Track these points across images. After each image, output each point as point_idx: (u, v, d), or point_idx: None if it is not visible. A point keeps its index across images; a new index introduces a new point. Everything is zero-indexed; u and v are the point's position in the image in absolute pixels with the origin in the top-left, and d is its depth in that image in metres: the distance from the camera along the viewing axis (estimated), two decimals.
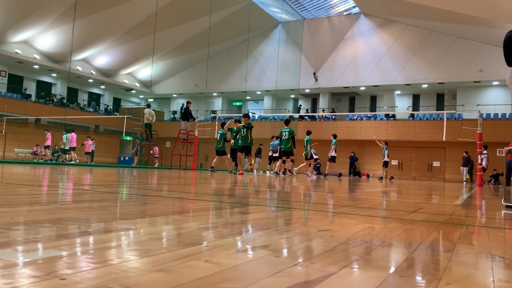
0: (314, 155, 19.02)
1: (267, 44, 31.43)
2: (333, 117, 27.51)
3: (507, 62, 3.25)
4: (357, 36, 28.39)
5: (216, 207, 2.44)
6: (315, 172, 17.68)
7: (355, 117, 26.65)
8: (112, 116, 30.32)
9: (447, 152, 23.76)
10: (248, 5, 27.27)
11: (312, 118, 28.44)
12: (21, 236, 1.17)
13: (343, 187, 6.64)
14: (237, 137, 12.34)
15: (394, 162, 24.33)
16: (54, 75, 30.23)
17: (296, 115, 26.92)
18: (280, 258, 1.06)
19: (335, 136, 16.55)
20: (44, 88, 30.14)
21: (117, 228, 1.43)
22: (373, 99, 30.81)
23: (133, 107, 34.48)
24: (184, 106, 17.14)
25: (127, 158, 30.14)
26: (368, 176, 25.30)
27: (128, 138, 29.69)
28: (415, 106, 29.26)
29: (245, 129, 11.62)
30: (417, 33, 26.26)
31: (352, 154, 24.89)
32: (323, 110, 29.42)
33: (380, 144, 18.26)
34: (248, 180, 7.56)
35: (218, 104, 34.80)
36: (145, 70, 33.17)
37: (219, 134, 14.47)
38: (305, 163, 15.97)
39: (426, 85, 27.08)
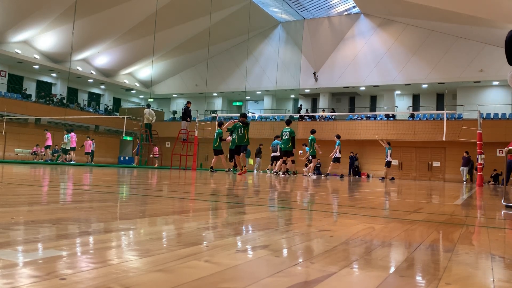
0: (310, 157, 19.00)
1: (267, 44, 31.44)
2: (333, 117, 27.51)
3: (508, 60, 3.25)
4: (357, 36, 28.39)
5: (216, 207, 2.44)
6: (315, 172, 17.67)
7: (355, 117, 26.65)
8: (112, 116, 30.32)
9: (447, 152, 23.76)
10: (248, 5, 27.27)
11: (312, 118, 28.44)
12: (21, 236, 1.17)
13: (343, 187, 6.63)
14: (233, 134, 12.12)
15: (394, 162, 24.31)
16: (54, 75, 30.23)
17: (296, 115, 26.92)
18: (280, 258, 1.06)
19: (338, 137, 16.44)
20: (44, 88, 30.14)
21: (117, 228, 1.43)
22: (373, 99, 30.82)
23: (133, 107, 34.48)
24: (184, 106, 17.15)
25: (127, 158, 30.14)
26: (368, 176, 25.30)
27: (128, 138, 29.69)
28: (415, 106, 29.26)
29: (242, 128, 11.50)
30: (417, 33, 26.26)
31: (352, 154, 24.89)
32: (323, 110, 29.42)
33: (383, 144, 18.25)
34: (248, 180, 7.56)
35: (218, 104, 34.81)
36: (145, 70, 33.18)
37: (215, 134, 14.52)
38: (312, 163, 15.93)
39: (426, 85, 27.08)
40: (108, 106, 34.54)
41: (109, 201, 2.45)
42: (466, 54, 24.72)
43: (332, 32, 29.21)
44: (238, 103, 34.42)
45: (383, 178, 17.90)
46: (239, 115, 12.08)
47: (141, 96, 37.29)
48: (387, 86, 27.68)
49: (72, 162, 18.21)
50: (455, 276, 0.99)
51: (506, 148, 3.90)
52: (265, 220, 1.85)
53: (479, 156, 15.50)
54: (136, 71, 33.62)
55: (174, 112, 34.37)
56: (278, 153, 18.13)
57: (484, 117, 21.78)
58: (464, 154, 19.82)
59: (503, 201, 4.00)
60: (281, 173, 13.29)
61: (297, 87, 29.87)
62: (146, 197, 2.85)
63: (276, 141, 18.36)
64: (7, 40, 25.11)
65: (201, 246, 1.17)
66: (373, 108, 30.49)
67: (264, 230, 1.54)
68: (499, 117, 23.77)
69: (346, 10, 28.98)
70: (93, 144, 22.07)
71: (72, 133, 19.31)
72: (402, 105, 29.18)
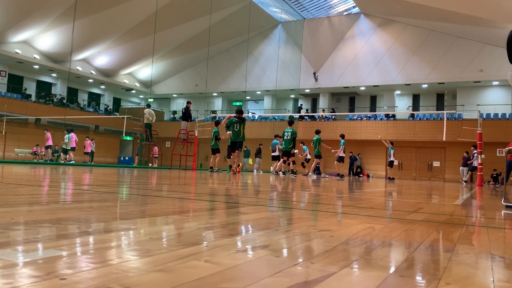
0: (308, 156, 18.97)
1: (267, 44, 31.44)
2: (333, 117, 27.51)
3: (510, 59, 3.25)
4: (357, 36, 28.39)
5: (216, 207, 2.44)
6: (315, 172, 17.64)
7: (355, 117, 26.65)
8: (112, 116, 30.32)
9: (447, 152, 23.76)
10: (248, 5, 27.27)
11: (312, 118, 28.44)
12: (21, 236, 1.17)
13: (343, 187, 6.63)
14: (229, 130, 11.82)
15: (395, 162, 24.34)
16: (54, 75, 30.23)
17: (296, 115, 26.93)
18: (280, 258, 1.06)
19: (343, 137, 16.37)
20: (44, 88, 30.14)
21: (117, 228, 1.43)
22: (373, 99, 30.82)
23: (133, 107, 34.48)
24: (184, 107, 17.16)
25: (127, 158, 30.15)
26: (368, 176, 25.30)
27: (128, 138, 29.69)
28: (415, 106, 29.27)
29: (238, 124, 11.29)
30: (417, 33, 26.26)
31: (351, 154, 24.90)
32: (323, 110, 29.42)
33: (386, 144, 18.23)
34: (248, 180, 7.56)
35: (218, 104, 34.81)
36: (145, 70, 33.18)
37: (212, 133, 14.55)
38: (315, 162, 15.85)
39: (426, 85, 27.08)
40: (108, 106, 34.54)
41: (109, 201, 2.45)
42: (466, 54, 24.72)
43: (332, 32, 29.21)
44: (238, 103, 34.42)
45: (390, 178, 17.85)
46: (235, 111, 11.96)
47: (141, 96, 37.30)
48: (387, 86, 27.69)
49: (71, 162, 18.21)
50: (455, 276, 0.99)
51: (506, 148, 3.91)
52: (265, 220, 1.85)
53: (474, 154, 15.50)
54: (136, 71, 33.62)
55: (174, 112, 34.37)
56: (277, 153, 18.13)
57: (484, 117, 21.79)
58: (464, 154, 19.81)
59: (503, 201, 4.00)
60: (281, 173, 13.28)
61: (297, 87, 29.87)
62: (146, 197, 2.85)
63: (275, 140, 18.34)
64: (7, 40, 25.11)
65: (201, 246, 1.17)
66: (373, 108, 30.50)
67: (264, 230, 1.54)
68: (499, 117, 23.77)
69: (346, 10, 28.98)
70: (93, 144, 22.06)
71: (72, 133, 19.31)
72: (402, 105, 29.18)
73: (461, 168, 20.00)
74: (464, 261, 1.17)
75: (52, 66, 28.10)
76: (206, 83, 29.12)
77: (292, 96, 32.66)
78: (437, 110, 27.11)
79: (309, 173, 15.94)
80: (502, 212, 3.13)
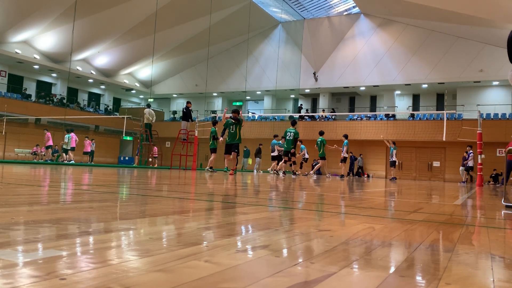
0: (306, 155, 18.96)
1: (267, 44, 31.44)
2: (333, 117, 27.51)
3: (510, 59, 3.25)
4: (357, 36, 28.39)
5: (216, 207, 2.44)
6: (316, 172, 17.63)
7: (355, 117, 26.66)
8: (112, 116, 30.32)
9: (447, 152, 23.76)
10: (248, 5, 27.27)
11: (312, 118, 28.45)
12: (21, 236, 1.17)
13: (344, 187, 6.63)
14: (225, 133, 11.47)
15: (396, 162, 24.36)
16: (54, 75, 30.23)
17: (297, 115, 26.93)
18: (280, 258, 1.06)
19: (346, 137, 16.25)
20: (44, 88, 30.14)
21: (117, 228, 1.43)
22: (373, 99, 30.82)
23: (133, 107, 34.48)
24: (184, 107, 17.17)
25: (127, 158, 30.15)
26: (368, 176, 25.30)
27: (128, 138, 29.69)
28: (415, 106, 29.27)
29: (234, 125, 10.89)
30: (417, 33, 26.26)
31: (351, 154, 24.89)
32: (323, 110, 29.42)
33: (388, 144, 18.21)
34: (248, 181, 7.56)
35: (218, 104, 34.81)
36: (145, 70, 33.18)
37: (210, 132, 14.52)
38: (320, 163, 15.75)
39: (426, 85, 27.08)
40: (108, 106, 34.54)
41: (109, 201, 2.45)
42: (466, 54, 24.72)
43: (332, 32, 29.21)
44: (238, 103, 34.43)
45: (393, 178, 17.85)
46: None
47: (141, 96, 37.30)
48: (387, 86, 27.69)
49: (71, 162, 18.22)
50: (455, 276, 0.99)
51: (506, 148, 3.91)
52: (265, 220, 1.85)
53: (470, 154, 15.48)
54: (136, 71, 33.62)
55: (174, 112, 34.38)
56: (275, 153, 18.13)
57: (484, 117, 21.79)
58: (464, 154, 19.82)
59: (503, 201, 4.00)
60: (281, 173, 13.29)
61: (297, 87, 29.87)
62: (146, 197, 2.85)
63: (274, 141, 18.34)
64: (7, 40, 25.11)
65: (201, 246, 1.17)
66: (373, 108, 30.50)
67: (264, 230, 1.54)
68: (499, 117, 23.77)
69: (346, 10, 28.98)
70: (93, 144, 22.06)
71: (72, 133, 19.32)
72: (402, 105, 29.18)
73: (461, 168, 20.02)
74: (464, 261, 1.17)
75: (52, 66, 28.10)
76: (206, 83, 29.12)
77: (292, 96, 32.66)
78: (437, 110, 27.11)
79: (311, 173, 15.88)
80: (502, 212, 3.13)
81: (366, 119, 26.38)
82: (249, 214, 2.08)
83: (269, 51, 31.15)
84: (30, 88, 29.16)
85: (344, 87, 28.93)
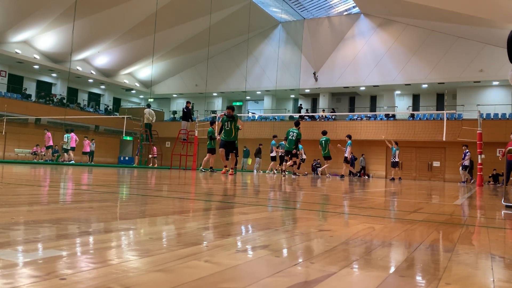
0: (303, 155, 18.94)
1: (267, 44, 31.44)
2: (333, 117, 27.51)
3: (510, 59, 3.25)
4: (357, 36, 28.39)
5: (216, 207, 2.44)
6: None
7: (355, 117, 26.65)
8: (112, 116, 30.33)
9: (447, 152, 23.76)
10: (248, 5, 27.28)
11: (312, 118, 28.45)
12: (21, 236, 1.17)
13: (344, 188, 6.63)
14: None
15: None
16: (54, 75, 30.23)
17: (296, 115, 26.93)
18: (280, 258, 1.06)
19: (350, 137, 16.12)
20: (44, 88, 30.15)
21: (117, 228, 1.43)
22: (373, 99, 30.82)
23: (133, 107, 34.49)
24: (184, 107, 17.18)
25: (127, 158, 30.16)
26: (368, 176, 25.30)
27: (128, 138, 29.70)
28: (415, 106, 29.27)
29: (229, 122, 10.54)
30: (417, 33, 26.26)
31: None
32: (323, 110, 29.42)
33: (390, 145, 18.19)
34: (247, 181, 7.56)
35: (218, 104, 34.81)
36: (145, 70, 33.18)
37: (207, 132, 14.48)
38: (327, 164, 15.60)
39: (426, 85, 27.09)
40: (108, 106, 34.55)
41: (109, 201, 2.45)
42: (466, 54, 24.72)
43: (332, 32, 29.22)
44: (238, 103, 34.44)
45: (397, 178, 17.83)
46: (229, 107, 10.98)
47: (141, 96, 37.30)
48: (387, 86, 27.69)
49: (71, 162, 18.22)
50: (455, 276, 0.99)
51: (505, 148, 3.90)
52: (265, 220, 1.85)
53: (467, 153, 15.43)
54: (136, 71, 33.62)
55: (174, 112, 34.38)
56: (273, 153, 18.15)
57: (484, 117, 21.79)
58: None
59: (503, 201, 4.00)
60: (286, 172, 13.32)
61: (297, 87, 29.88)
62: (146, 197, 2.85)
63: (273, 141, 18.36)
64: (7, 40, 25.11)
65: (201, 246, 1.17)
66: (373, 108, 30.50)
67: (264, 230, 1.54)
68: (499, 117, 23.77)
69: (346, 10, 28.99)
70: (93, 144, 22.05)
71: (72, 133, 19.33)
72: (402, 105, 29.19)
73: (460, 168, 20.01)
74: (464, 261, 1.17)
75: (52, 66, 28.11)
76: (206, 83, 29.12)
77: (292, 96, 32.66)
78: (437, 110, 27.12)
79: (319, 172, 15.59)
80: (502, 212, 3.13)
81: (366, 119, 26.38)
82: (249, 214, 2.08)
83: (269, 51, 31.15)
84: (30, 88, 29.17)
85: (344, 87, 28.93)
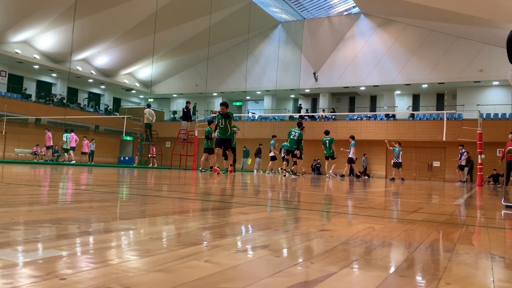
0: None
1: (267, 44, 31.44)
2: (333, 117, 27.51)
3: (510, 59, 3.25)
4: (357, 36, 28.39)
5: (216, 207, 2.44)
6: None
7: (355, 117, 26.66)
8: (112, 116, 30.34)
9: (447, 152, 23.75)
10: (248, 5, 27.28)
11: (312, 118, 28.46)
12: (21, 236, 1.17)
13: (344, 188, 6.64)
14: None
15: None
16: (54, 75, 30.24)
17: (296, 115, 26.94)
18: (280, 258, 1.06)
19: (353, 138, 15.97)
20: (44, 88, 30.15)
21: (117, 228, 1.43)
22: (373, 99, 30.83)
23: (133, 107, 34.49)
24: (184, 107, 17.18)
25: (127, 158, 30.16)
26: (368, 176, 25.29)
27: (128, 138, 29.70)
28: (415, 106, 29.27)
29: (222, 119, 10.43)
30: (417, 33, 26.26)
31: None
32: (323, 110, 29.43)
33: (390, 147, 18.15)
34: (247, 181, 7.56)
35: (218, 104, 34.75)
36: (145, 70, 33.18)
37: (205, 132, 14.50)
38: (334, 164, 15.42)
39: (426, 85, 27.09)
40: (108, 106, 34.56)
41: (109, 201, 2.45)
42: (466, 54, 24.73)
43: (332, 32, 29.22)
44: (238, 103, 34.44)
45: (402, 179, 17.81)
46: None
47: (141, 96, 37.30)
48: (387, 86, 27.69)
49: (72, 162, 18.22)
50: (455, 276, 0.99)
51: (506, 148, 3.91)
52: (265, 220, 1.85)
53: (463, 153, 15.42)
54: (136, 71, 33.63)
55: (174, 112, 34.39)
56: (272, 154, 18.14)
57: (484, 117, 21.79)
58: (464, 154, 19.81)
59: (503, 201, 4.00)
60: (286, 172, 13.32)
61: (297, 87, 29.88)
62: (146, 197, 2.85)
63: (272, 141, 18.37)
64: (7, 40, 25.11)
65: (201, 246, 1.17)
66: (373, 108, 30.50)
67: (264, 230, 1.54)
68: (499, 117, 23.77)
69: (346, 10, 28.99)
70: (93, 144, 22.05)
71: (72, 133, 19.33)
72: (402, 105, 29.19)
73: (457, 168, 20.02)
74: (464, 261, 1.17)
75: (52, 66, 28.11)
76: (206, 83, 29.13)
77: (292, 96, 32.67)
78: (437, 110, 27.12)
79: (330, 172, 15.29)
80: (502, 212, 3.13)
81: (366, 119, 26.38)
82: (249, 214, 2.08)
83: (269, 51, 31.16)
84: (30, 88, 29.17)
85: (344, 87, 28.93)
